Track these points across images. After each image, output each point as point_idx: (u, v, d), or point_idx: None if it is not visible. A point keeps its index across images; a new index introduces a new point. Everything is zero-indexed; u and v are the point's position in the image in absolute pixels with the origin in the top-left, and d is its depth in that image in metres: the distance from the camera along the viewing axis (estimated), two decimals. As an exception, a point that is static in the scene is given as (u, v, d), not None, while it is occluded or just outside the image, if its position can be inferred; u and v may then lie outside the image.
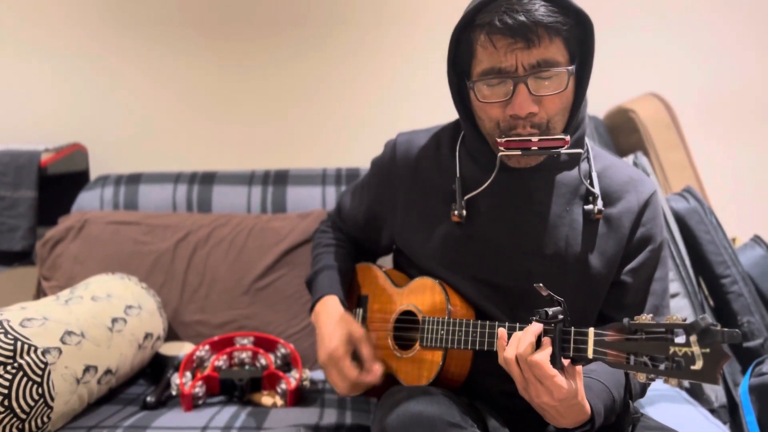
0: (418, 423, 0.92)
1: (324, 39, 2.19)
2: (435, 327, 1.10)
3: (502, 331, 0.94)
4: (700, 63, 2.13)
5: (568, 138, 1.01)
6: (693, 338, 0.72)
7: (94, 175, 2.14)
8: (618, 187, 1.11)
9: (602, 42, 2.10)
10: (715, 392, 1.54)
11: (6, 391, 1.13)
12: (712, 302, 1.70)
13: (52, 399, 1.20)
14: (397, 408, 0.96)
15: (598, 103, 2.06)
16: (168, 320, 1.71)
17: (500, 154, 1.04)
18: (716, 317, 1.65)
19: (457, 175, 1.14)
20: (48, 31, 2.19)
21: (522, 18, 0.94)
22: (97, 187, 1.97)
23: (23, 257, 1.97)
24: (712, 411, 1.52)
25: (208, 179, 1.95)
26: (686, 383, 1.60)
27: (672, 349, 0.74)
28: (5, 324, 1.19)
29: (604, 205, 1.09)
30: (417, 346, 1.15)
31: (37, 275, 1.85)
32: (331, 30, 2.19)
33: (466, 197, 1.12)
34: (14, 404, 1.14)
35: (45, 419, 1.20)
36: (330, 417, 1.33)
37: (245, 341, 1.58)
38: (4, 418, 1.12)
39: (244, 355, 1.53)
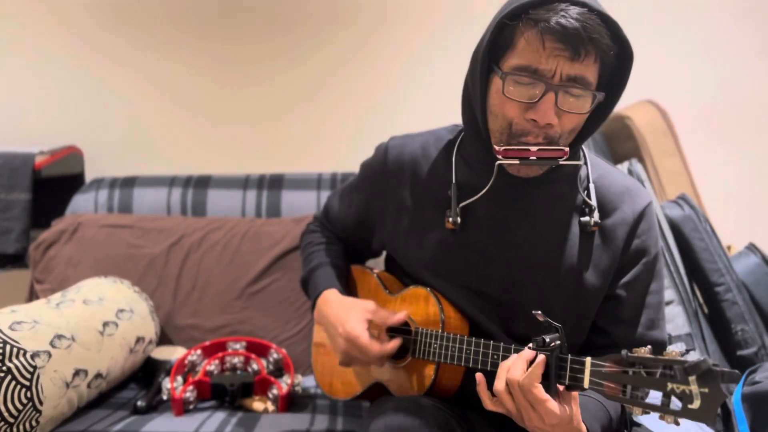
0: None
1: (321, 42, 2.19)
2: (428, 340, 1.09)
3: (479, 377, 0.92)
4: (696, 70, 2.13)
5: (567, 149, 0.99)
6: (692, 378, 0.71)
7: (89, 177, 2.13)
8: (613, 197, 1.09)
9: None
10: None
11: (-6, 395, 1.12)
12: (706, 310, 1.69)
13: (41, 403, 1.19)
14: (383, 417, 0.96)
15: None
16: (160, 324, 1.71)
17: (497, 162, 1.02)
18: (710, 325, 1.65)
19: (453, 181, 1.12)
20: (43, 34, 2.19)
21: (579, 26, 0.91)
22: (91, 189, 1.97)
23: (16, 260, 1.96)
24: (706, 419, 1.51)
25: (202, 183, 1.95)
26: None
27: (670, 386, 0.73)
28: (-6, 327, 1.19)
29: (600, 216, 1.07)
30: (409, 356, 1.13)
31: (30, 278, 1.85)
32: (329, 33, 2.18)
33: (461, 204, 1.10)
34: (2, 408, 1.13)
35: (33, 423, 1.19)
36: (321, 423, 1.32)
37: (237, 346, 1.57)
38: (-9, 421, 1.12)
39: (236, 360, 1.53)
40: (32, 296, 1.82)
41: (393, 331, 1.20)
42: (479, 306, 1.10)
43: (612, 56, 0.97)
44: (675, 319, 1.60)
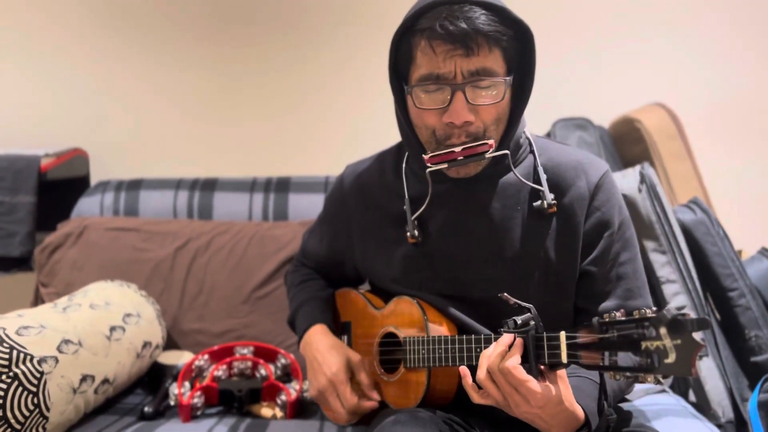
0: None
1: (328, 43, 2.18)
2: (417, 347, 1.09)
3: (463, 370, 0.92)
4: (706, 73, 2.11)
5: (492, 142, 1.01)
6: (663, 331, 0.70)
7: (94, 180, 2.12)
8: (566, 174, 1.09)
9: (608, 51, 2.13)
10: (722, 407, 1.52)
11: (1, 401, 1.11)
12: (718, 316, 1.67)
13: (48, 409, 1.18)
14: (381, 431, 0.94)
15: (604, 112, 2.05)
16: (167, 328, 1.69)
17: (428, 170, 1.05)
18: (723, 331, 1.63)
19: (405, 196, 1.14)
20: (48, 37, 2.18)
21: (463, 25, 0.94)
22: (97, 192, 1.95)
23: (22, 263, 1.95)
24: (720, 426, 1.49)
25: (209, 186, 1.94)
26: (692, 397, 1.57)
27: (644, 345, 0.72)
28: (1, 332, 1.17)
29: (556, 197, 1.07)
30: (402, 368, 1.13)
31: (35, 281, 1.83)
32: (336, 33, 2.17)
33: (414, 217, 1.12)
34: (9, 414, 1.11)
35: (40, 429, 1.18)
36: (330, 430, 1.30)
37: (245, 351, 1.55)
38: (-2, 428, 1.11)
39: (243, 365, 1.51)
40: (37, 300, 1.81)
41: (385, 345, 1.20)
42: (460, 309, 1.10)
43: (509, 40, 0.99)
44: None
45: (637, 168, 1.65)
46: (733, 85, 2.12)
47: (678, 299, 1.59)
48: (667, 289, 1.59)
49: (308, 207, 1.88)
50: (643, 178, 1.62)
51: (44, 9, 2.17)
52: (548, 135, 1.95)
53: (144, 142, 2.21)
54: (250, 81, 2.20)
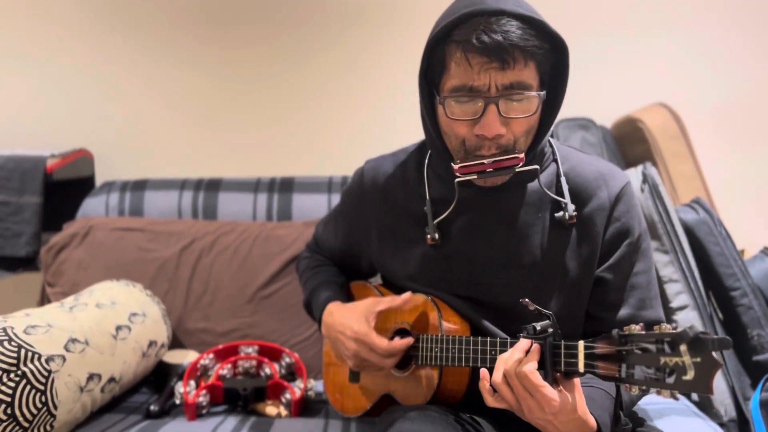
0: None
1: (331, 43, 2.19)
2: (429, 345, 1.09)
3: (483, 372, 0.92)
4: (709, 73, 2.12)
5: (522, 156, 1.01)
6: (683, 348, 0.71)
7: (99, 181, 2.13)
8: (588, 184, 1.09)
9: (611, 51, 2.13)
10: (724, 406, 1.52)
11: (9, 399, 1.12)
12: (721, 315, 1.68)
13: (56, 407, 1.19)
14: (391, 427, 0.95)
15: (606, 112, 2.05)
16: (172, 328, 1.70)
17: (456, 180, 1.05)
18: (725, 330, 1.63)
19: (427, 197, 1.14)
20: (55, 38, 2.19)
21: (499, 38, 0.93)
22: (102, 193, 1.96)
23: (28, 263, 1.97)
24: (722, 425, 1.50)
25: (213, 186, 1.95)
26: (694, 396, 1.58)
27: (663, 360, 0.72)
28: (9, 331, 1.19)
29: (577, 207, 1.08)
30: (413, 364, 1.14)
31: (41, 281, 1.85)
32: (339, 33, 2.18)
33: (436, 221, 1.12)
34: (17, 412, 1.13)
35: (48, 428, 1.19)
36: (335, 428, 1.32)
37: (250, 350, 1.56)
38: (6, 426, 1.11)
39: (248, 364, 1.52)
40: (44, 299, 1.82)
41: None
42: (475, 311, 1.10)
43: (545, 53, 0.98)
44: (690, 324, 1.59)
45: (640, 168, 1.66)
46: (735, 85, 2.12)
47: (680, 299, 1.59)
48: (670, 289, 1.59)
49: (312, 207, 1.89)
50: (645, 178, 1.63)
51: (48, 10, 2.18)
52: (551, 135, 1.96)
53: (148, 143, 2.23)
54: (253, 82, 2.21)
